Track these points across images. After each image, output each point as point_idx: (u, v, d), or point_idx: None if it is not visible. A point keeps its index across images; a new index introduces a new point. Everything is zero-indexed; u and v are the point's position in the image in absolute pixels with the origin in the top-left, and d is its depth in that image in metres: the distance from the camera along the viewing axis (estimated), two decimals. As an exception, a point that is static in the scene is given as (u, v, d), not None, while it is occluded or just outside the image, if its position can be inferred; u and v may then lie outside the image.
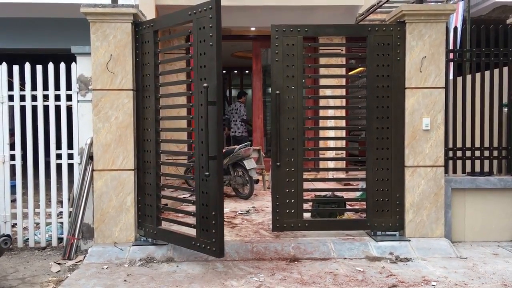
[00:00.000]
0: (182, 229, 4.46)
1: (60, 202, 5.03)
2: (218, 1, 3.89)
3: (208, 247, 4.04)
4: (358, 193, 6.83)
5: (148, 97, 4.62)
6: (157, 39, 4.60)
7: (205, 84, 3.89)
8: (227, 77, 15.78)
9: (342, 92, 7.92)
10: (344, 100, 8.39)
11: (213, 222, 3.98)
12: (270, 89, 4.60)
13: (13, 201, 5.00)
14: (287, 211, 4.76)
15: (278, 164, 4.68)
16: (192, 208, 4.82)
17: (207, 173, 3.86)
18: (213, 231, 3.99)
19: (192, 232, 4.24)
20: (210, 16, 3.93)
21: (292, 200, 4.76)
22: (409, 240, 4.65)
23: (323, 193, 6.00)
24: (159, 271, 4.08)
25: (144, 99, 4.66)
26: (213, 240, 3.99)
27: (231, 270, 4.10)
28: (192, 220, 4.34)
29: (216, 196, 3.96)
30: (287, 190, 4.75)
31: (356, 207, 6.08)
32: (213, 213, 3.98)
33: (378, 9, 7.83)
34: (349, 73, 9.26)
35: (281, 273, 4.01)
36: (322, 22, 7.59)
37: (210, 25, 3.94)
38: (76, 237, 4.58)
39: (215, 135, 3.92)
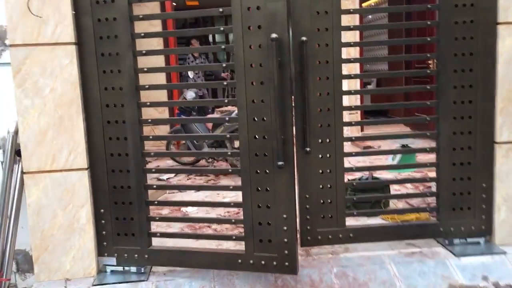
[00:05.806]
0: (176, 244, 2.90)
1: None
2: None
3: (274, 262, 2.85)
4: (397, 157, 5.45)
5: (115, 55, 2.93)
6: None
7: (273, 35, 2.60)
8: (208, 20, 13.85)
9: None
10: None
11: (284, 228, 2.84)
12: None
13: None
14: (322, 216, 3.21)
15: (308, 149, 3.06)
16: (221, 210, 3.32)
17: (280, 163, 2.69)
18: (285, 240, 2.85)
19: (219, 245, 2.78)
20: None
21: (329, 201, 3.21)
22: (505, 253, 3.15)
23: (357, 176, 4.49)
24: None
25: (101, 58, 2.96)
26: (286, 252, 2.85)
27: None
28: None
29: (290, 194, 2.84)
30: (322, 187, 3.18)
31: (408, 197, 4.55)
32: (284, 216, 2.84)
33: None
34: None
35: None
36: None
37: None
38: (5, 276, 2.99)
39: (285, 109, 2.74)
